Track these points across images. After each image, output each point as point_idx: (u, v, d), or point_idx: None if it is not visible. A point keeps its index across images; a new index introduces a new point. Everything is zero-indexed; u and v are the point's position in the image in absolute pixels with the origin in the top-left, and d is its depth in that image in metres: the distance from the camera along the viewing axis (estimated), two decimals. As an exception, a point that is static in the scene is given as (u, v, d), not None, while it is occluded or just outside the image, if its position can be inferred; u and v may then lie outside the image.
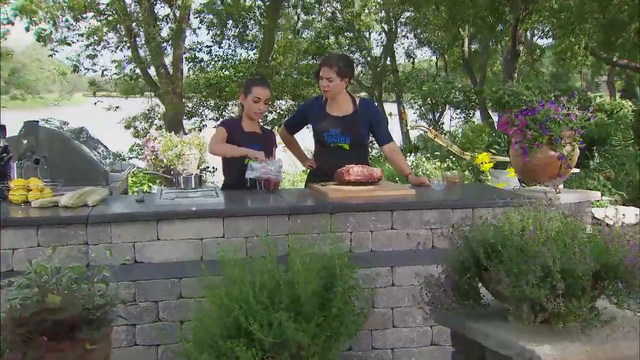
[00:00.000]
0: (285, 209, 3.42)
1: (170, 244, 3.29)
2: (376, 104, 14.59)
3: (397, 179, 7.93)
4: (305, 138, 4.83)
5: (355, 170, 3.92)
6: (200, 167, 6.33)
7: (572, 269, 2.04)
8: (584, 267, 2.03)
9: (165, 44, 13.78)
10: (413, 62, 24.66)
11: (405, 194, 3.79)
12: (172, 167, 4.73)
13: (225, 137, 4.20)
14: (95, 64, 14.55)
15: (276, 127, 14.95)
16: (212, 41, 15.09)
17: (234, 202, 3.71)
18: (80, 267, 2.55)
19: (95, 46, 14.38)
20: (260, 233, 3.32)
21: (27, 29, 13.35)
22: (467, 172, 8.70)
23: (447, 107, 16.28)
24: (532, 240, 2.17)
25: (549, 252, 2.07)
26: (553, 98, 4.60)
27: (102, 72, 14.52)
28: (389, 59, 22.41)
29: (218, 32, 14.91)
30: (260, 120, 4.50)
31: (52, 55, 14.34)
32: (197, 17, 14.49)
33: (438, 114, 19.50)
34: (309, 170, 4.56)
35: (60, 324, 2.39)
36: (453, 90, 15.16)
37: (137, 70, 14.64)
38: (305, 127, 4.64)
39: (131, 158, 13.21)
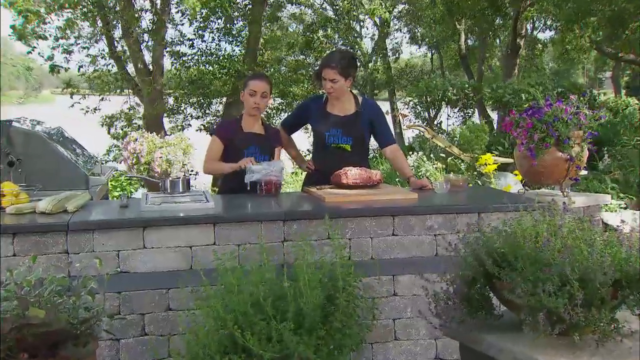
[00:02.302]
0: (280, 214, 3.40)
1: (157, 252, 3.26)
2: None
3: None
4: (297, 139, 4.83)
5: (353, 173, 3.91)
6: (185, 170, 6.32)
7: (591, 278, 2.05)
8: (603, 275, 2.03)
9: (145, 37, 13.70)
10: (397, 58, 24.74)
11: (407, 198, 3.79)
12: (157, 170, 4.69)
13: (221, 149, 4.24)
14: (70, 60, 14.39)
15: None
16: (195, 34, 15.03)
17: (225, 207, 3.69)
18: (65, 278, 2.52)
19: (68, 40, 14.23)
20: (254, 240, 3.30)
21: (14, 28, 13.24)
22: (467, 175, 8.72)
23: (445, 105, 16.33)
24: (547, 247, 2.17)
25: (566, 259, 2.08)
26: (556, 96, 4.62)
27: (79, 69, 14.32)
28: (380, 54, 22.47)
29: (201, 25, 14.85)
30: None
31: (30, 52, 14.15)
32: (178, 11, 14.44)
33: (434, 113, 19.53)
34: (305, 173, 4.56)
35: (43, 339, 2.36)
36: (450, 88, 15.19)
37: (114, 67, 14.50)
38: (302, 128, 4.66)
39: (108, 161, 13.12)
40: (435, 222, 3.54)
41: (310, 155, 4.76)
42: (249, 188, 3.88)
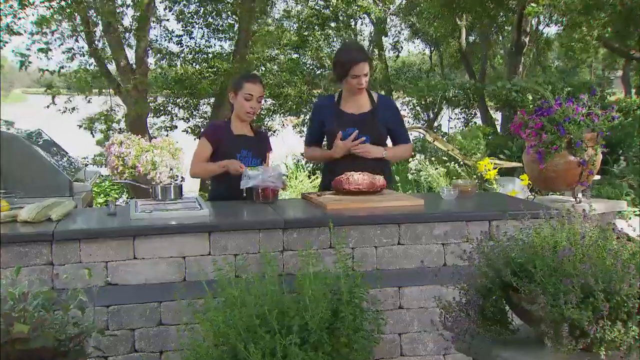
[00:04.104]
0: (279, 222, 3.39)
1: (148, 263, 3.24)
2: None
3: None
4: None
5: (355, 179, 3.91)
6: (172, 176, 6.30)
7: (616, 290, 2.05)
8: (629, 287, 2.04)
9: (127, 35, 13.63)
10: (398, 55, 24.73)
11: (412, 205, 3.78)
12: (146, 175, 4.68)
13: (210, 152, 4.22)
14: (50, 58, 14.22)
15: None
16: (183, 30, 15.01)
17: (220, 214, 3.68)
18: (52, 292, 2.51)
19: (44, 37, 14.07)
20: (251, 249, 3.30)
21: None
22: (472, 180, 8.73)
23: (446, 106, 16.36)
24: (567, 257, 2.18)
25: (589, 270, 2.08)
26: (566, 95, 4.62)
27: (59, 70, 14.10)
28: (376, 52, 22.48)
29: (188, 21, 14.84)
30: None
31: (1, 48, 14.00)
32: (163, 3, 14.40)
33: (434, 114, 19.56)
34: (320, 180, 4.54)
35: (29, 357, 2.35)
36: (452, 88, 15.22)
37: (92, 64, 14.37)
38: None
39: (87, 165, 13.05)
40: (443, 230, 3.53)
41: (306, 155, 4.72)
42: (244, 195, 3.87)
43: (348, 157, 4.22)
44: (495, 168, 7.66)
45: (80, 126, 15.11)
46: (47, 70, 13.65)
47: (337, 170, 4.14)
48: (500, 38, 22.05)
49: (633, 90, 20.64)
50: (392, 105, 4.58)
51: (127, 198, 9.87)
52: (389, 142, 4.48)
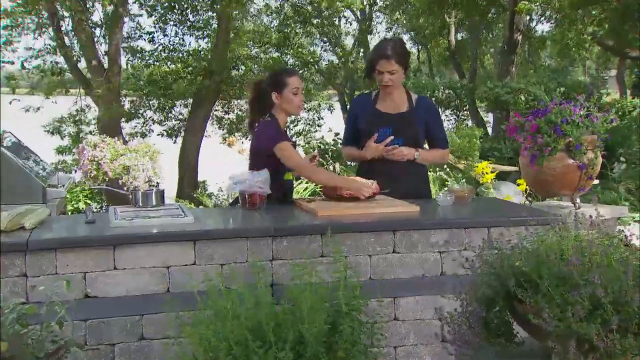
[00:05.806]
0: (268, 229, 3.39)
1: (129, 273, 3.22)
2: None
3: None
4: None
5: (347, 184, 3.91)
6: (149, 181, 6.26)
7: (627, 301, 2.06)
8: (640, 298, 2.05)
9: (99, 31, 13.52)
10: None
11: (408, 211, 3.79)
12: (121, 181, 4.64)
13: None
14: (13, 51, 14.00)
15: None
16: (155, 26, 14.89)
17: (206, 222, 3.67)
18: (33, 307, 2.48)
19: (11, 31, 13.89)
20: (239, 258, 3.29)
21: None
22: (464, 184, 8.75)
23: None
24: (574, 266, 2.18)
25: (598, 280, 2.08)
26: (560, 95, 4.64)
27: (22, 64, 13.92)
28: (362, 51, 22.51)
29: (162, 17, 14.72)
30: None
31: None
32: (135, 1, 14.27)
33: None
34: None
35: (5, 375, 2.32)
36: (442, 88, 15.28)
37: (59, 62, 14.17)
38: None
39: (58, 170, 12.91)
40: (440, 237, 3.54)
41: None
42: (231, 202, 3.86)
43: (381, 159, 4.24)
44: (493, 172, 7.69)
45: (47, 131, 14.95)
46: (9, 62, 13.48)
47: (370, 172, 4.16)
48: (491, 36, 22.17)
49: (628, 91, 20.82)
50: (431, 107, 4.59)
51: (99, 205, 9.80)
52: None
